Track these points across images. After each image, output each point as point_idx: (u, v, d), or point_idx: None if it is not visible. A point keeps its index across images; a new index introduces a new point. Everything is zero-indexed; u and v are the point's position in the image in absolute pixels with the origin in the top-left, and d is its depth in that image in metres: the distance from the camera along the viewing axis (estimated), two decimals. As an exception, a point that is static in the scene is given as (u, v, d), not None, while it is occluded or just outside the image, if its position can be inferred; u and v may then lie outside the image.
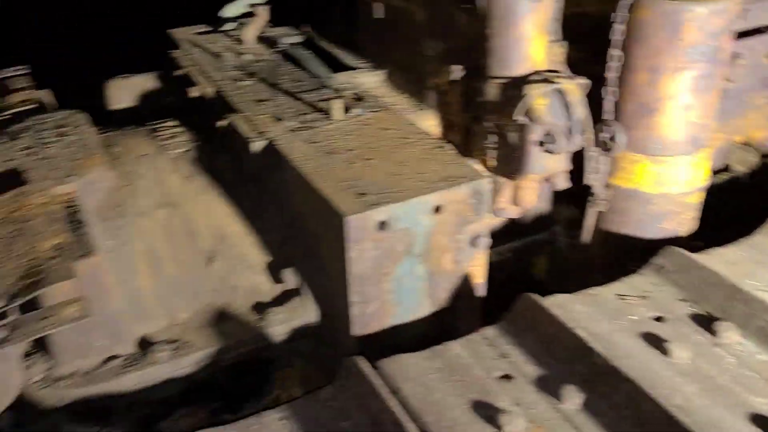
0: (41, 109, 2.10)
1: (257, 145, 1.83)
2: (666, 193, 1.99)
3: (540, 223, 2.45)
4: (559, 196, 2.44)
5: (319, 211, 1.64)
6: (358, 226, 1.51)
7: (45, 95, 2.20)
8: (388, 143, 1.80)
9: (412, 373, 1.45)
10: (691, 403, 1.35)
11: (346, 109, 1.97)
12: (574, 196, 2.26)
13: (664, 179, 1.98)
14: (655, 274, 1.78)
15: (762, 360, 1.50)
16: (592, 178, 1.95)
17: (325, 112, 1.97)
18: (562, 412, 1.37)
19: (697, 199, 2.07)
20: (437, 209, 1.60)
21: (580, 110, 1.75)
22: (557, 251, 2.44)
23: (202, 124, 2.08)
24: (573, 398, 1.38)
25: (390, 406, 1.30)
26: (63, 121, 2.00)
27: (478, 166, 2.10)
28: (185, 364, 1.59)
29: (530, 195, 2.16)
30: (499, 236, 2.40)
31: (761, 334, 1.54)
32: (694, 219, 2.11)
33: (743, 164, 2.57)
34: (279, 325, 1.71)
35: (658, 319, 1.66)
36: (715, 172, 2.83)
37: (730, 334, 1.55)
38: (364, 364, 1.40)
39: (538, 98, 1.74)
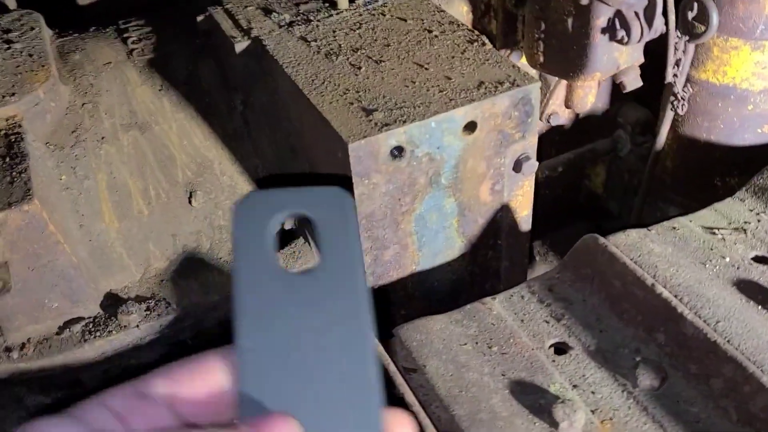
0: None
1: (240, 46, 1.44)
2: (769, 89, 1.55)
3: (599, 128, 2.03)
4: (622, 94, 2.00)
5: (316, 132, 1.27)
6: (366, 154, 1.14)
7: (-4, -7, 1.83)
8: (406, 39, 1.39)
9: (437, 343, 1.13)
10: (814, 389, 0.99)
11: (355, -5, 1.55)
12: (642, 93, 1.82)
13: (769, 71, 1.53)
14: (756, 198, 1.38)
15: None
16: (673, 72, 1.51)
17: (328, 1, 1.56)
18: (636, 398, 1.04)
19: (807, 94, 1.62)
20: (470, 127, 1.21)
21: (664, -18, 1.30)
22: (619, 161, 2.03)
23: (181, 22, 1.69)
24: (651, 379, 1.04)
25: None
26: (11, 24, 1.64)
27: (522, 65, 1.68)
28: (160, 327, 1.30)
29: (588, 95, 1.74)
30: (548, 147, 2.00)
31: None
32: (800, 120, 1.67)
33: None
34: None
35: (762, 260, 1.28)
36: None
37: None
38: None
39: (606, -33, 1.28)
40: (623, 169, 2.03)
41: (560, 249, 2.16)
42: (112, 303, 1.33)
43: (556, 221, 2.21)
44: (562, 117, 1.83)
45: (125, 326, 1.29)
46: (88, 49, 1.62)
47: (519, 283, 1.30)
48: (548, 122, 1.81)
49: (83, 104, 1.49)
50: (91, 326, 1.29)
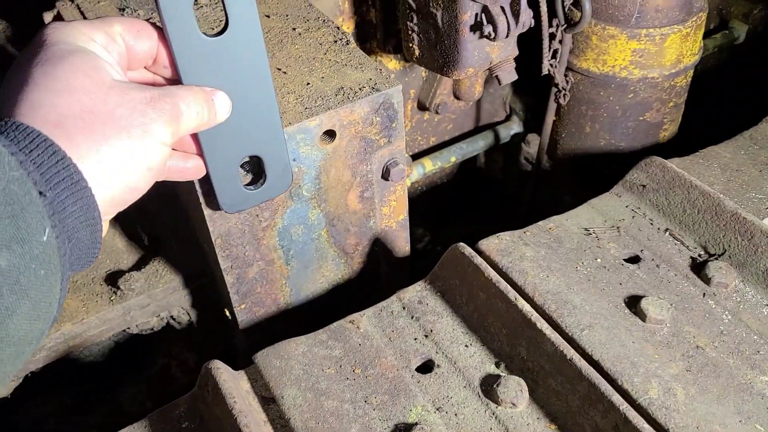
0: None
1: (88, 50, 1.32)
2: (649, 77, 1.53)
3: (492, 114, 2.00)
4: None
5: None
6: (212, 172, 1.06)
7: None
8: (267, 37, 1.30)
9: (297, 369, 1.07)
10: (671, 397, 0.98)
11: (217, -12, 1.44)
12: (531, 79, 1.79)
13: (648, 60, 1.50)
14: (632, 193, 1.36)
15: (768, 316, 1.12)
16: (550, 64, 1.47)
17: (190, -7, 1.44)
18: (498, 417, 1.01)
19: (687, 80, 1.61)
20: (329, 135, 1.14)
21: (528, -26, 1.24)
22: (515, 147, 2.01)
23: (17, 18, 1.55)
24: (513, 397, 1.01)
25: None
26: None
27: (397, 61, 1.61)
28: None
29: (475, 85, 1.69)
30: (442, 136, 1.96)
31: (768, 279, 1.15)
32: (680, 105, 1.66)
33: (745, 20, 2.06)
34: (137, 297, 1.31)
35: (633, 259, 1.26)
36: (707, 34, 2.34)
37: (724, 278, 1.16)
38: (222, 372, 1.01)
39: (467, -41, 1.22)
40: (519, 155, 2.01)
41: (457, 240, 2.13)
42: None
43: (457, 210, 2.18)
44: (452, 106, 1.77)
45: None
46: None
47: (402, 285, 1.26)
48: (437, 112, 1.76)
49: None
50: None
